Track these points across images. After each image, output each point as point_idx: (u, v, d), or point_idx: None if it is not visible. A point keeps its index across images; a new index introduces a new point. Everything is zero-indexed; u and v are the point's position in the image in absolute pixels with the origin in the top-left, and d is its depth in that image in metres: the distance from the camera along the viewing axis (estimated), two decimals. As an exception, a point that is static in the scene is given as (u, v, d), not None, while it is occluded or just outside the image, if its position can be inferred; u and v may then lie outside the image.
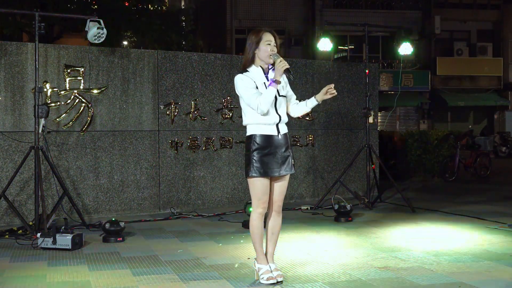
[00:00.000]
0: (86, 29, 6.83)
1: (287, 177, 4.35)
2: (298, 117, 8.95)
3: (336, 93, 4.33)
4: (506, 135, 22.72)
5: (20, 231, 6.32)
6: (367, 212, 7.89)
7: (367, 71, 8.48)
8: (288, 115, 4.40)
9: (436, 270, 4.61)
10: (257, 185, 4.19)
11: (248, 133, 4.26)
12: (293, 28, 24.30)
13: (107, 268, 4.82)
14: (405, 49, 8.90)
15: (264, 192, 4.21)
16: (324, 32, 9.02)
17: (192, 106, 8.19)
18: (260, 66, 4.25)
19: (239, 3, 23.78)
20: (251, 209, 4.32)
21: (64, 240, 5.49)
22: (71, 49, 7.50)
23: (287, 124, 4.35)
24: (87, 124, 7.49)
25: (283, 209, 4.48)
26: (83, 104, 7.47)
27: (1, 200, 6.67)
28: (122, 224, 5.99)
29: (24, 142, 7.01)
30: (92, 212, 7.49)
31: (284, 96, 4.31)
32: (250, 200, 4.37)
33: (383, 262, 4.91)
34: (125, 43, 20.95)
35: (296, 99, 4.48)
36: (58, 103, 7.32)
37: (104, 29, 6.80)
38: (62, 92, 7.35)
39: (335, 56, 24.56)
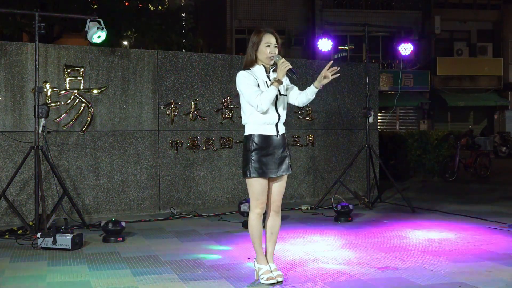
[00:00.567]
0: (86, 29, 6.83)
1: (285, 177, 4.34)
2: (299, 117, 9.06)
3: (337, 70, 4.17)
4: (506, 135, 22.72)
5: (20, 231, 6.32)
6: (367, 212, 7.89)
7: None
8: (288, 113, 4.38)
9: (436, 270, 4.61)
10: (255, 186, 4.19)
11: (246, 133, 4.25)
12: (293, 28, 24.30)
13: (107, 268, 4.82)
14: (405, 49, 8.90)
15: (262, 193, 4.20)
16: (324, 32, 9.01)
17: (192, 106, 8.19)
18: (263, 65, 4.24)
19: (239, 3, 23.78)
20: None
21: (64, 240, 5.49)
22: (71, 49, 7.50)
23: (285, 124, 4.34)
24: (87, 124, 7.49)
25: (283, 209, 4.48)
26: (83, 104, 7.47)
27: (1, 200, 6.67)
28: (122, 224, 5.99)
29: (24, 142, 7.01)
30: (92, 212, 7.49)
31: (285, 95, 4.31)
32: (244, 199, 4.36)
33: (383, 262, 4.90)
34: (125, 43, 20.93)
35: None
36: (58, 103, 7.32)
37: (104, 29, 6.81)
38: (62, 92, 7.35)
39: (335, 56, 24.55)
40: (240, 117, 4.48)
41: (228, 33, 23.88)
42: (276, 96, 4.20)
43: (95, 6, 13.90)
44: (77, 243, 5.59)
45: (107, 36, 6.91)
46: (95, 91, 7.55)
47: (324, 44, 8.88)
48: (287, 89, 4.35)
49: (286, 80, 4.35)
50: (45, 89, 7.16)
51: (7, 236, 6.17)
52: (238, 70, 4.26)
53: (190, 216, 7.60)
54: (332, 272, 4.60)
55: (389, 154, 12.02)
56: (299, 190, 9.08)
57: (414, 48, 9.00)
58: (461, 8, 25.94)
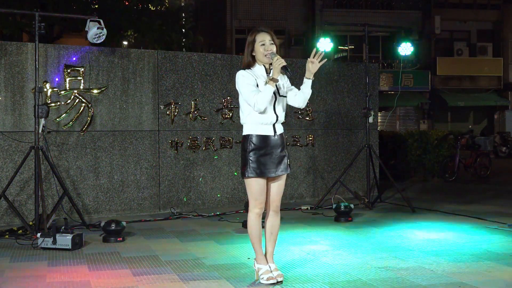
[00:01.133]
0: (86, 29, 6.83)
1: (284, 177, 4.33)
2: (299, 117, 9.06)
3: (322, 55, 4.15)
4: (506, 135, 22.72)
5: (20, 231, 6.32)
6: (367, 212, 7.89)
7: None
8: (288, 113, 4.37)
9: (436, 270, 4.61)
10: (254, 186, 4.18)
11: (244, 133, 4.24)
12: (293, 28, 24.30)
13: (107, 268, 4.82)
14: (405, 49, 8.91)
15: (261, 192, 4.20)
16: (324, 32, 9.02)
17: (192, 106, 8.19)
18: (263, 65, 4.24)
19: (239, 3, 23.78)
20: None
21: (64, 240, 5.49)
22: (71, 49, 7.50)
23: (285, 124, 4.33)
24: (87, 124, 7.49)
25: (283, 209, 4.47)
26: (83, 104, 7.47)
27: (1, 200, 6.67)
28: (122, 224, 5.99)
29: (24, 142, 7.01)
30: (92, 212, 7.49)
31: (284, 96, 4.30)
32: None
33: (383, 262, 4.90)
34: (125, 43, 20.94)
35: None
36: (58, 103, 7.32)
37: (104, 29, 6.80)
38: (62, 92, 7.35)
39: (335, 56, 24.55)
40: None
41: (228, 33, 23.87)
42: (275, 97, 4.19)
43: (95, 6, 13.91)
44: (77, 243, 5.59)
45: (107, 36, 6.91)
46: (95, 91, 7.55)
47: (324, 44, 8.88)
48: (287, 91, 4.33)
49: (287, 81, 4.34)
50: (45, 89, 7.16)
51: (7, 236, 6.17)
52: (238, 70, 4.26)
53: (190, 216, 7.60)
54: (332, 272, 4.60)
55: (389, 154, 12.02)
56: (299, 190, 9.08)
57: (414, 48, 9.00)
58: (461, 8, 25.94)
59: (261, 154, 4.17)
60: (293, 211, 7.97)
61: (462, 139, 12.94)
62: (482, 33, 26.21)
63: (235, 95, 7.48)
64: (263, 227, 4.30)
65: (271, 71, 4.23)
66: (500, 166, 15.84)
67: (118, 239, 5.92)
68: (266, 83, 4.10)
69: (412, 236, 6.09)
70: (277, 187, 4.31)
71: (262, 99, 4.06)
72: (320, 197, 8.69)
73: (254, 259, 4.32)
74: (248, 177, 4.17)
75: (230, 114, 8.46)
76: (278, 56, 4.09)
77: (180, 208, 8.02)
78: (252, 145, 4.18)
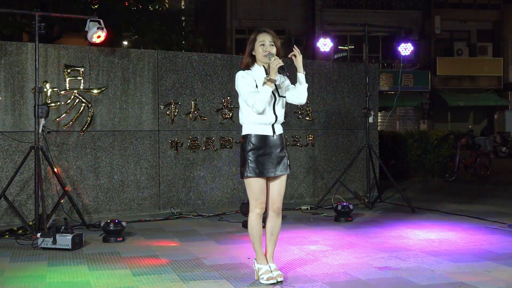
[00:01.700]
0: (86, 29, 6.83)
1: (284, 178, 4.32)
2: (298, 117, 9.05)
3: (296, 52, 4.19)
4: (506, 135, 22.72)
5: (20, 231, 6.32)
6: (367, 212, 7.89)
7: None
8: (288, 113, 4.37)
9: (436, 270, 4.61)
10: (254, 185, 4.18)
11: (243, 133, 4.25)
12: (293, 28, 24.30)
13: (107, 268, 4.82)
14: (405, 49, 8.90)
15: (261, 192, 4.20)
16: (324, 32, 9.02)
17: (192, 106, 8.19)
18: (263, 66, 4.24)
19: (239, 3, 23.78)
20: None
21: (64, 240, 5.49)
22: (71, 49, 7.50)
23: (285, 124, 4.32)
24: (87, 124, 7.49)
25: (283, 209, 4.47)
26: (83, 104, 7.47)
27: (1, 200, 6.67)
28: (122, 224, 5.99)
29: (24, 142, 7.01)
30: (92, 212, 7.49)
31: (284, 97, 4.30)
32: (246, 200, 4.34)
33: (383, 262, 4.90)
34: (125, 43, 20.94)
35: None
36: (58, 103, 7.32)
37: (104, 29, 6.81)
38: (62, 92, 7.35)
39: (335, 56, 24.55)
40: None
41: (228, 33, 23.88)
42: (275, 97, 4.19)
43: (95, 6, 13.90)
44: (77, 243, 5.59)
45: (107, 36, 6.91)
46: (95, 91, 7.55)
47: (324, 44, 8.87)
48: (286, 91, 4.34)
49: (286, 80, 4.35)
50: (45, 89, 7.16)
51: (7, 236, 6.17)
52: (238, 70, 4.26)
53: (190, 216, 7.60)
54: (332, 272, 4.60)
55: (389, 154, 12.01)
56: (299, 190, 9.08)
57: (414, 48, 8.99)
58: (461, 8, 25.94)
59: (260, 154, 4.17)
60: (293, 211, 7.97)
61: (462, 139, 12.95)
62: (482, 33, 26.21)
63: (235, 95, 7.49)
64: (263, 227, 4.30)
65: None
66: (500, 166, 15.84)
67: (118, 239, 5.92)
68: (264, 83, 4.11)
69: (412, 236, 6.09)
70: (277, 188, 4.30)
71: (261, 100, 4.06)
72: (320, 197, 8.70)
73: (254, 259, 4.32)
74: (247, 176, 4.17)
75: (230, 114, 8.46)
76: (276, 56, 4.10)
77: (180, 208, 8.02)
78: (251, 145, 4.18)
